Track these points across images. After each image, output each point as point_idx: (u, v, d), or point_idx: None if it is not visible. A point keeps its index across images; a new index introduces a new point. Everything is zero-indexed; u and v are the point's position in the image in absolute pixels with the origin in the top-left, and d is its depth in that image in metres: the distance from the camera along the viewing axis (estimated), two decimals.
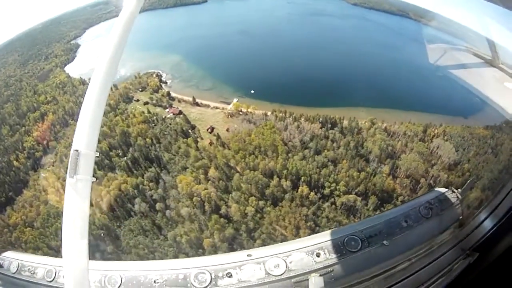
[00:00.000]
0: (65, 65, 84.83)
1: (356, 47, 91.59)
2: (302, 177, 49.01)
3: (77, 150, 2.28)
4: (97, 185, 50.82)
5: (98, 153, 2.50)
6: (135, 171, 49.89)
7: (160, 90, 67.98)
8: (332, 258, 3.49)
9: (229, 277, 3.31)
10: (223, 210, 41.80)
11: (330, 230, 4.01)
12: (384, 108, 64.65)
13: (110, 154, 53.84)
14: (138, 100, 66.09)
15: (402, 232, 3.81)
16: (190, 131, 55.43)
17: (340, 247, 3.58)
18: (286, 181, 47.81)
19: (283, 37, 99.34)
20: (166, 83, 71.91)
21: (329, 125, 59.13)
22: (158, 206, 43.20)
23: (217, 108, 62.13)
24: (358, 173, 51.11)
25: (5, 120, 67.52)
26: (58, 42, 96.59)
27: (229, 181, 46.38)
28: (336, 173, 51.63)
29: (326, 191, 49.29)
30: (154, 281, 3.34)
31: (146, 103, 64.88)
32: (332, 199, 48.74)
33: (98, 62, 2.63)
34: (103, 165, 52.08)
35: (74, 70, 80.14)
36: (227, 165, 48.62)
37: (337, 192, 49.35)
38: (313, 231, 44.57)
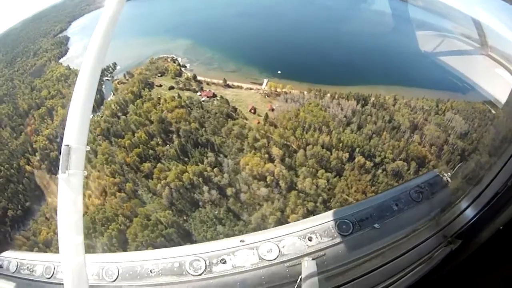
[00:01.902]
0: (59, 58, 75.16)
1: (356, 27, 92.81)
2: (357, 149, 50.36)
3: (68, 145, 2.31)
4: (145, 178, 46.78)
5: (89, 147, 2.57)
6: (187, 159, 46.56)
7: (182, 74, 63.44)
8: (324, 242, 3.50)
9: (223, 263, 3.35)
10: (299, 186, 41.11)
11: (322, 214, 4.03)
12: (396, 85, 67.19)
13: (150, 143, 49.53)
14: (161, 86, 61.14)
15: (392, 215, 3.83)
16: (233, 113, 52.93)
17: (331, 231, 3.58)
18: (344, 153, 48.65)
19: (284, 16, 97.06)
20: (185, 66, 67.23)
21: (363, 102, 60.97)
22: (229, 191, 40.94)
23: (251, 89, 59.86)
24: (398, 143, 54.31)
25: (3, 122, 58.34)
26: (44, 37, 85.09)
27: (292, 158, 45.68)
28: (382, 143, 54.11)
29: (377, 159, 51.62)
30: (150, 271, 3.37)
31: (171, 88, 60.23)
32: (383, 166, 51.31)
33: (85, 56, 2.59)
34: (147, 156, 47.82)
35: (72, 61, 71.35)
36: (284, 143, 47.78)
37: (387, 160, 52.04)
38: None
